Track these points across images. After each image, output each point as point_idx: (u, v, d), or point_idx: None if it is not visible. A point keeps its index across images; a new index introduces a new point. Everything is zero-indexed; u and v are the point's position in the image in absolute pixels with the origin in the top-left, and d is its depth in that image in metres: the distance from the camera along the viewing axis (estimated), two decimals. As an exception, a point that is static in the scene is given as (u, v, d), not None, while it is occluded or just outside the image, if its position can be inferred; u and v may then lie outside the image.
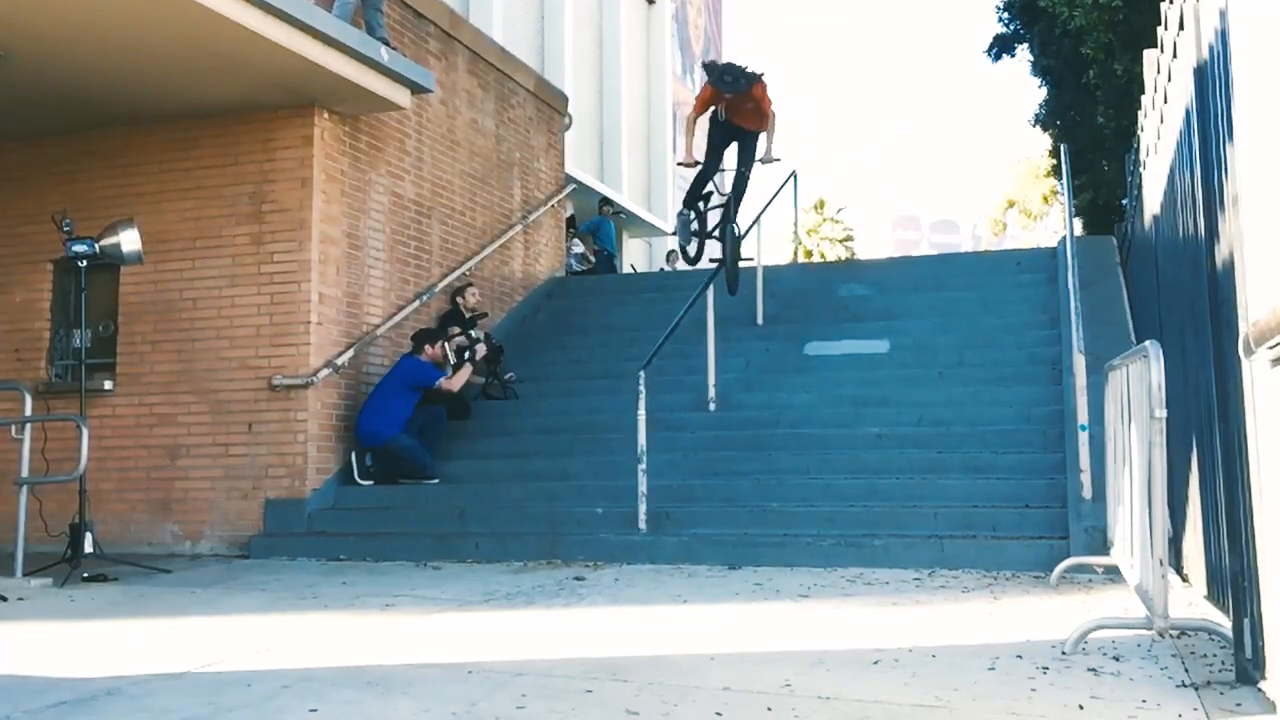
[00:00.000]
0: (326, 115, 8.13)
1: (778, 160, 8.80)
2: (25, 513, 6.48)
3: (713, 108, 8.68)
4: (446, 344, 8.66)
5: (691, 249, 9.36)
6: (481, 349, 8.87)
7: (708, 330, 8.43)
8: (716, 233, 9.15)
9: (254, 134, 8.14)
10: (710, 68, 8.53)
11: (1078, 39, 13.48)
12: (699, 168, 8.93)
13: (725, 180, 9.12)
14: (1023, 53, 17.00)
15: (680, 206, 9.40)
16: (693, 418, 8.47)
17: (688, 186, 9.31)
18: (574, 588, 5.77)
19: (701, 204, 9.13)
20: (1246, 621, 3.29)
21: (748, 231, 9.99)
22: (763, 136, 8.68)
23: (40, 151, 8.67)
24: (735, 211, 8.93)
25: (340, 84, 7.67)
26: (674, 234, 9.50)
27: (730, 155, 9.00)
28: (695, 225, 9.25)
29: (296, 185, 8.01)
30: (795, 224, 13.40)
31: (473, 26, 11.04)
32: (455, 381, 8.42)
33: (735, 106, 8.50)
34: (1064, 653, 3.85)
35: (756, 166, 8.81)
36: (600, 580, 6.01)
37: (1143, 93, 6.61)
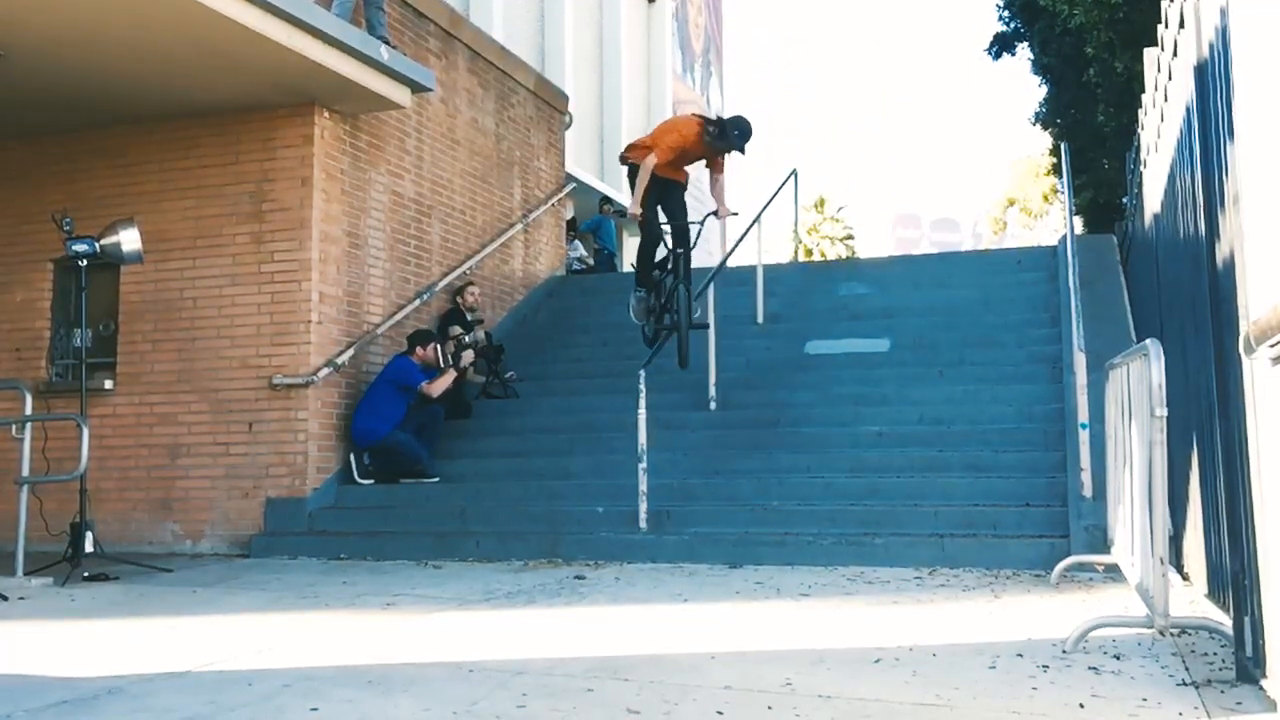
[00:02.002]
0: (327, 114, 8.13)
1: (735, 214, 8.33)
2: (26, 512, 6.49)
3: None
4: (439, 347, 8.62)
5: (650, 329, 8.36)
6: (469, 355, 8.81)
7: (709, 329, 8.42)
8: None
9: (254, 133, 8.14)
10: (721, 124, 7.86)
11: (1078, 37, 13.49)
12: (642, 237, 8.09)
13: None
14: (1023, 51, 17.01)
15: (635, 288, 8.26)
16: (693, 416, 8.47)
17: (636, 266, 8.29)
18: (575, 586, 5.77)
19: (658, 272, 8.20)
20: (1247, 620, 3.30)
21: (747, 231, 9.98)
22: (695, 190, 8.16)
23: (40, 150, 8.67)
24: (688, 270, 8.01)
25: (340, 83, 7.67)
26: (630, 312, 8.24)
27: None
28: (653, 301, 8.23)
29: (297, 184, 8.01)
30: (795, 223, 13.40)
31: (473, 25, 11.04)
32: (435, 386, 8.32)
33: (688, 161, 8.03)
34: (1065, 651, 3.85)
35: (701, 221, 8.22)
36: (601, 579, 6.01)
37: (1143, 91, 6.61)
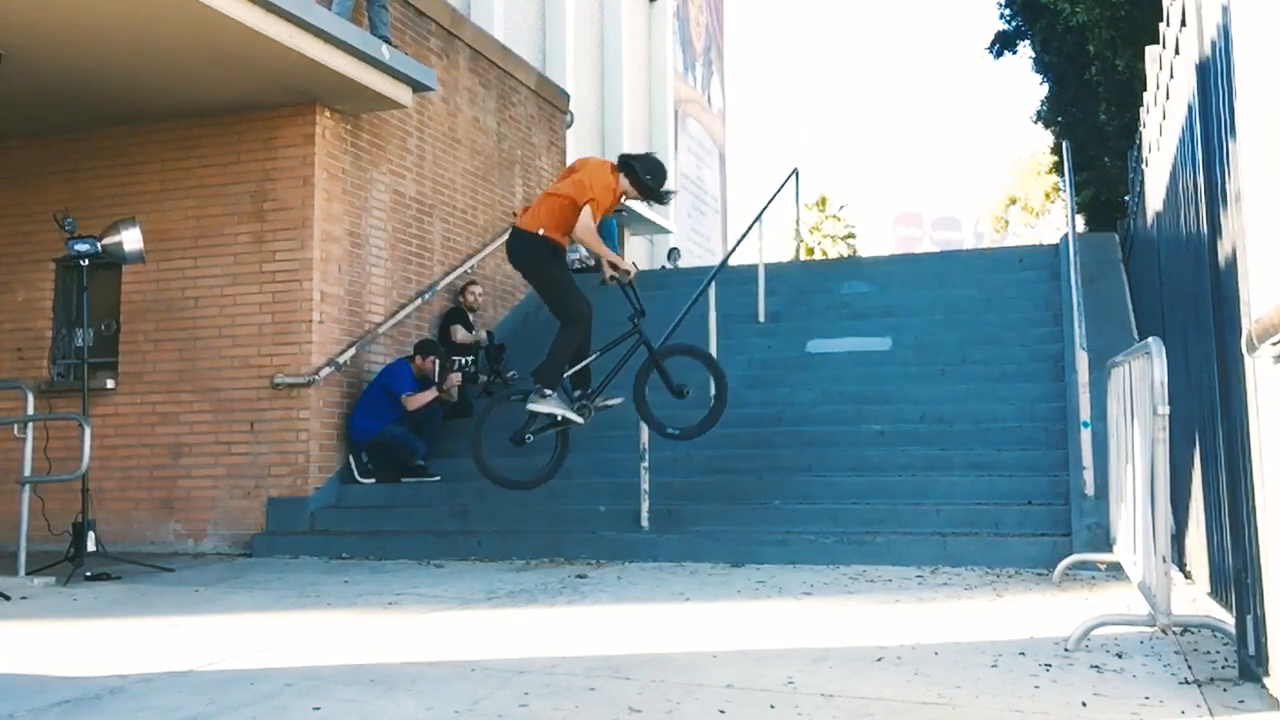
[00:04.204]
0: (328, 114, 8.13)
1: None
2: (28, 511, 6.50)
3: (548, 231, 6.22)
4: (438, 362, 8.56)
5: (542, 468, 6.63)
6: (456, 378, 8.64)
7: (710, 328, 8.42)
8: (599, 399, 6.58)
9: (256, 133, 8.14)
10: (631, 169, 6.29)
11: (1080, 35, 13.49)
12: (575, 317, 6.33)
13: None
14: (1024, 49, 17.01)
15: (541, 389, 6.29)
16: (695, 415, 8.45)
17: (554, 353, 6.30)
18: (576, 585, 5.78)
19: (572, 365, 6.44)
20: (1249, 618, 3.29)
21: (748, 230, 9.98)
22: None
23: (42, 150, 8.68)
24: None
25: (342, 82, 7.67)
26: (550, 410, 6.33)
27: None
28: (581, 403, 6.46)
29: (298, 184, 8.01)
30: (797, 221, 13.40)
31: (474, 24, 11.04)
32: (413, 400, 8.20)
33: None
34: (1067, 650, 3.84)
35: None
36: (603, 578, 6.02)
37: (1145, 89, 6.60)
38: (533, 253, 6.25)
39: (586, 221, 6.16)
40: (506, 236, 6.29)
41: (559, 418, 6.27)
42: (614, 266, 6.51)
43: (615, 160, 6.43)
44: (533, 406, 6.24)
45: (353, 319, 8.36)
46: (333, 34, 7.27)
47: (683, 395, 6.53)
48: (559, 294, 6.33)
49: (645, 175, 6.28)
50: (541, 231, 6.19)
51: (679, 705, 3.23)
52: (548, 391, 6.24)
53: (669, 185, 6.45)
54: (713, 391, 6.58)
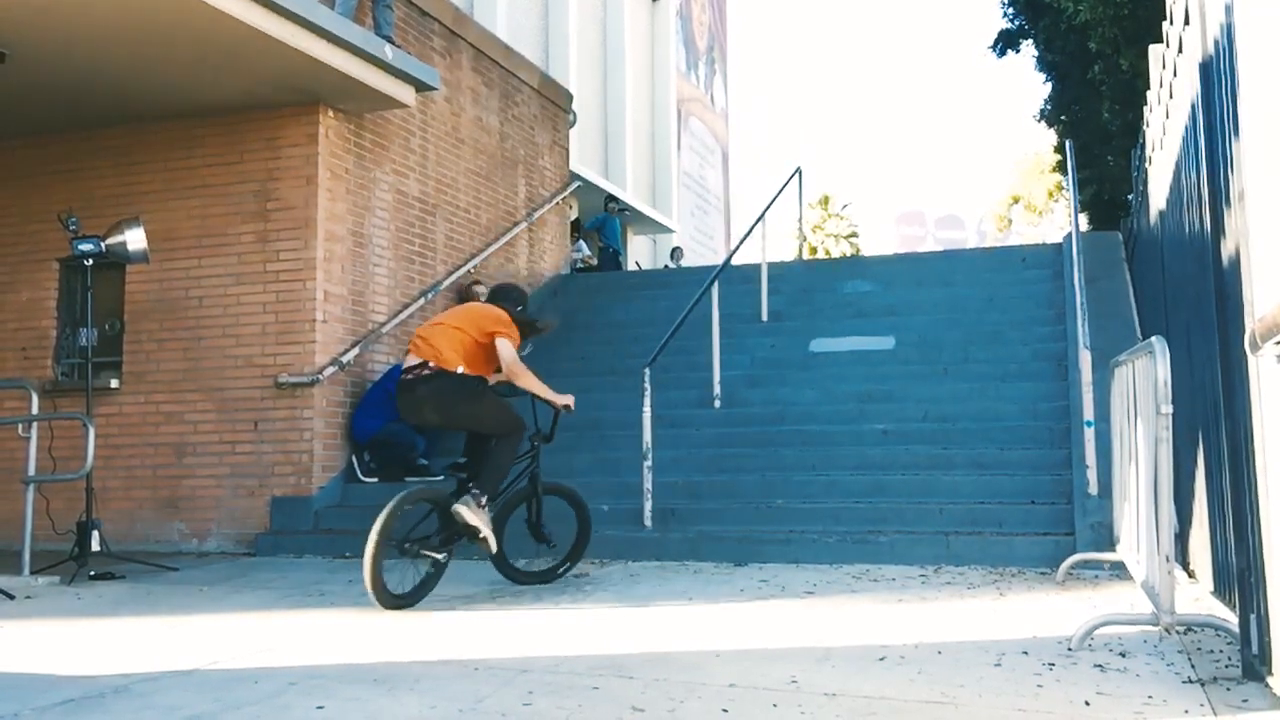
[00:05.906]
0: (331, 113, 8.14)
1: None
2: (32, 511, 6.51)
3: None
4: None
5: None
6: None
7: (712, 327, 8.43)
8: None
9: (259, 132, 8.15)
10: (502, 297, 5.91)
11: (1083, 34, 13.49)
12: (518, 434, 5.67)
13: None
14: (1027, 48, 17.01)
15: (480, 495, 5.50)
16: (698, 414, 8.47)
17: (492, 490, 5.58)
18: (580, 585, 5.78)
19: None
20: (1253, 617, 3.29)
21: (751, 229, 9.99)
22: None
23: (45, 150, 8.69)
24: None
25: (345, 82, 7.68)
26: (478, 523, 5.46)
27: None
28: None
29: (301, 183, 8.02)
30: (800, 220, 13.39)
31: (477, 24, 11.05)
32: None
33: None
34: (1070, 649, 3.85)
35: None
36: (606, 577, 6.02)
37: (1148, 88, 6.60)
38: (461, 395, 5.48)
39: (514, 353, 5.54)
40: (429, 376, 5.45)
41: (480, 534, 5.48)
42: (548, 401, 5.79)
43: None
44: (463, 510, 5.39)
45: (356, 318, 8.37)
46: (336, 33, 7.28)
47: (546, 543, 5.91)
48: (497, 417, 5.60)
49: (516, 308, 5.75)
50: (462, 369, 5.45)
51: (682, 704, 3.23)
52: (484, 501, 5.49)
53: (541, 318, 5.98)
54: (574, 535, 6.08)
